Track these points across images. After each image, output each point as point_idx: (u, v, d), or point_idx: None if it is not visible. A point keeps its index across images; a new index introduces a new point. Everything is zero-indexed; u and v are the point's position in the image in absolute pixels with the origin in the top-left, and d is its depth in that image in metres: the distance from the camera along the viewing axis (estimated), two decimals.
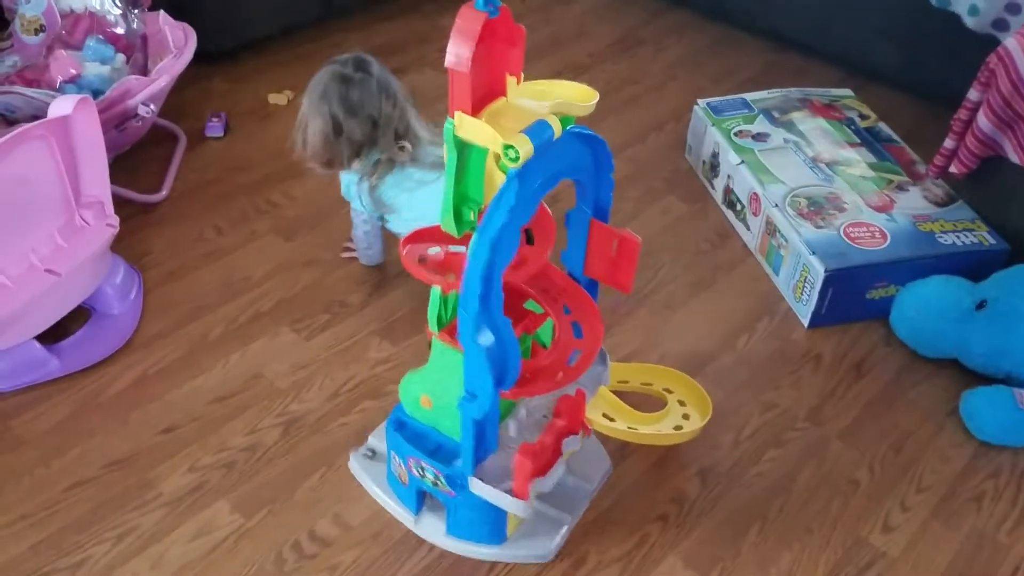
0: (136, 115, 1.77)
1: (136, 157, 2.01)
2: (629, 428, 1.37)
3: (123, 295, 1.69)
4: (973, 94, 1.68)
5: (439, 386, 1.20)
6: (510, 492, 1.16)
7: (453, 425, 1.22)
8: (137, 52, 1.93)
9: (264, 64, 2.40)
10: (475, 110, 1.00)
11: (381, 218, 1.68)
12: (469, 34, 0.94)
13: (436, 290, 1.13)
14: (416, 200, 1.60)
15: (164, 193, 1.95)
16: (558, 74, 2.44)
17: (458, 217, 1.08)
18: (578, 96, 1.11)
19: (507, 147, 0.97)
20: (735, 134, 1.95)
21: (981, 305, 1.56)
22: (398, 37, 2.57)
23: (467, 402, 1.09)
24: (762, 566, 1.32)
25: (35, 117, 1.80)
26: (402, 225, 1.64)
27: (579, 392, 1.22)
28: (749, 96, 2.07)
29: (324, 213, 1.93)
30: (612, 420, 1.38)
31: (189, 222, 1.90)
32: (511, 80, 1.06)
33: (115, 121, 1.75)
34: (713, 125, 1.98)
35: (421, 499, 1.33)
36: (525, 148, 0.96)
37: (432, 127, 1.64)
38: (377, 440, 1.43)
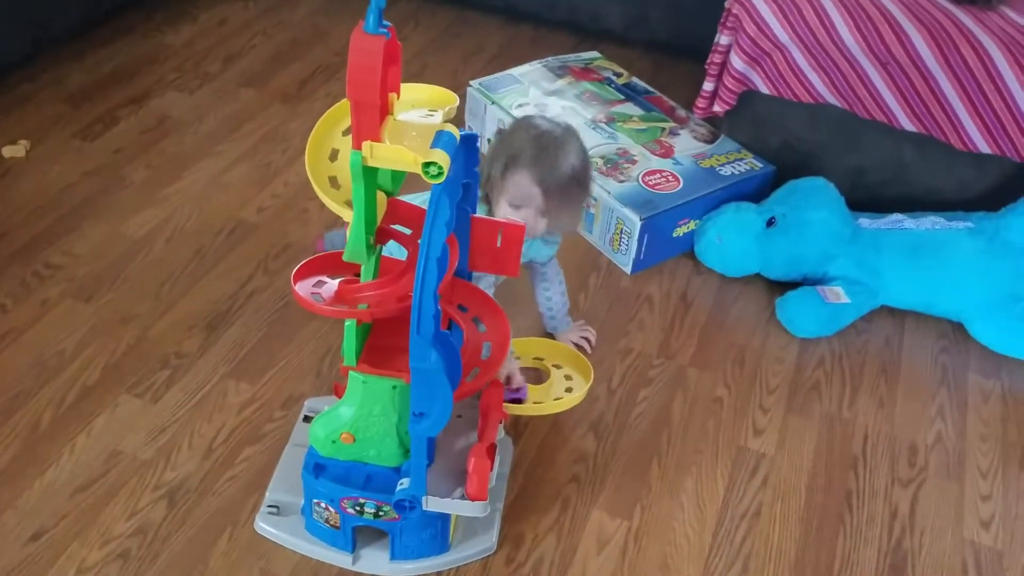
0: None
1: None
2: (536, 404, 1.43)
3: None
4: (723, 38, 1.89)
5: (364, 419, 1.18)
6: (464, 497, 1.18)
7: (381, 453, 1.21)
8: None
9: None
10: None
11: None
12: (372, 62, 0.93)
13: (351, 324, 1.11)
14: None
15: None
16: (312, 75, 2.38)
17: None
18: (440, 100, 1.14)
19: (427, 164, 0.97)
20: (517, 108, 2.04)
21: (771, 222, 1.79)
22: (124, 62, 2.38)
23: (417, 422, 1.09)
24: (673, 494, 1.45)
25: None
26: None
27: (497, 382, 1.26)
28: (515, 71, 2.17)
29: (118, 263, 1.78)
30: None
31: None
32: (393, 98, 1.06)
33: None
34: (493, 103, 2.06)
35: (355, 536, 1.30)
36: (446, 161, 0.98)
37: None
38: (277, 493, 1.36)
